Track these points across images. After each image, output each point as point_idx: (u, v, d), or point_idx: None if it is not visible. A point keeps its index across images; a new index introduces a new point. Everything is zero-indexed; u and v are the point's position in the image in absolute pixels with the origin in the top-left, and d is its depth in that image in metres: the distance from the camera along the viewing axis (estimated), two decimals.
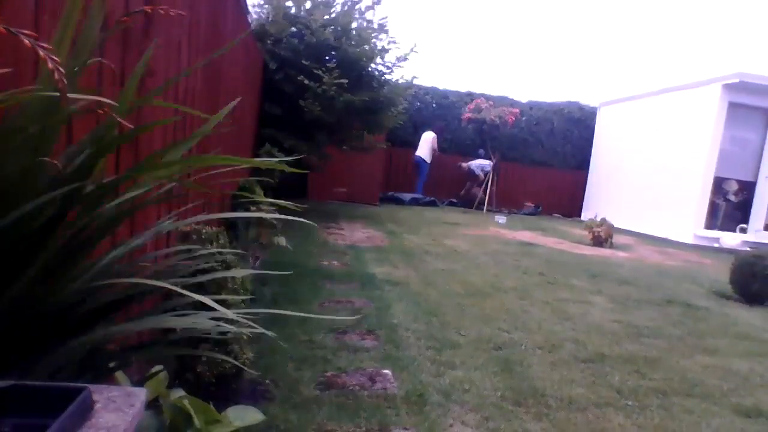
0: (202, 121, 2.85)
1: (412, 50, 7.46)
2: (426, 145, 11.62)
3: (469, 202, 12.17)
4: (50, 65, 0.59)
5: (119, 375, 1.16)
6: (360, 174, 10.33)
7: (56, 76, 0.59)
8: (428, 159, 11.62)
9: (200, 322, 0.93)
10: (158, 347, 1.16)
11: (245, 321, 0.89)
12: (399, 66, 7.56)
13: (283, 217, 1.27)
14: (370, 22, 7.27)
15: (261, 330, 0.94)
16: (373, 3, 7.18)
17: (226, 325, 0.92)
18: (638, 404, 2.30)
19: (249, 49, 5.13)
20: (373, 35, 7.18)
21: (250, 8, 6.19)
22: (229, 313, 0.86)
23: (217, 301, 0.80)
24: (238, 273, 1.81)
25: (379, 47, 7.32)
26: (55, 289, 0.82)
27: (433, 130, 11.68)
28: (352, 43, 6.91)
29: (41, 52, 0.59)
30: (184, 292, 0.83)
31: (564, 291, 4.39)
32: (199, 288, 1.47)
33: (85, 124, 1.24)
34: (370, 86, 7.32)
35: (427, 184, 11.81)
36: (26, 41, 0.59)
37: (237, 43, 4.12)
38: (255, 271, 2.40)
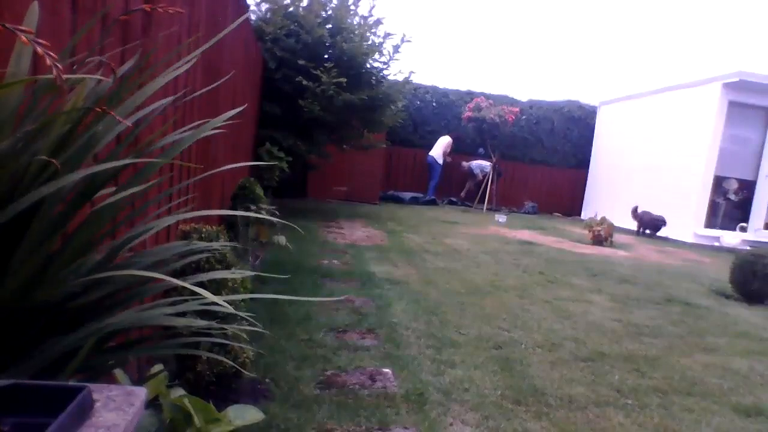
0: (203, 118, 2.85)
1: (403, 39, 7.27)
2: (440, 147, 11.71)
3: (469, 201, 12.20)
4: (48, 62, 0.58)
5: (119, 373, 1.15)
6: (360, 173, 10.33)
7: (54, 72, 0.58)
8: (440, 160, 11.69)
9: (196, 322, 0.93)
10: (156, 344, 1.16)
11: (238, 313, 0.89)
12: (395, 59, 7.45)
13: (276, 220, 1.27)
14: (365, 17, 7.22)
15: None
16: None
17: (223, 325, 0.91)
18: (638, 403, 2.30)
19: (249, 47, 5.12)
20: (368, 31, 7.13)
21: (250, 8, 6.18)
22: (230, 308, 0.86)
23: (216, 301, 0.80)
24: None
25: (377, 43, 7.27)
26: (50, 283, 0.82)
27: (450, 136, 11.83)
28: (347, 40, 6.86)
29: (38, 49, 0.58)
30: (178, 282, 0.83)
31: (564, 290, 4.39)
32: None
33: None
34: (369, 84, 7.27)
35: (436, 184, 11.82)
36: (23, 38, 0.58)
37: (237, 41, 4.11)
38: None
